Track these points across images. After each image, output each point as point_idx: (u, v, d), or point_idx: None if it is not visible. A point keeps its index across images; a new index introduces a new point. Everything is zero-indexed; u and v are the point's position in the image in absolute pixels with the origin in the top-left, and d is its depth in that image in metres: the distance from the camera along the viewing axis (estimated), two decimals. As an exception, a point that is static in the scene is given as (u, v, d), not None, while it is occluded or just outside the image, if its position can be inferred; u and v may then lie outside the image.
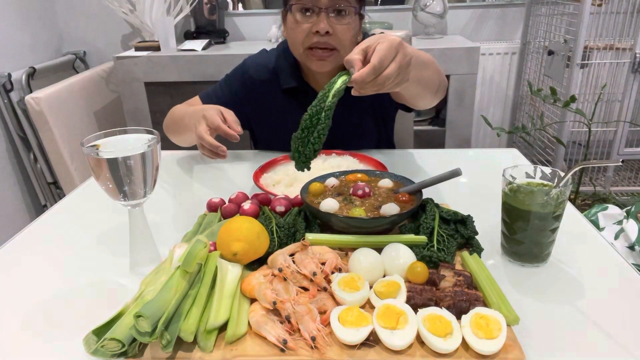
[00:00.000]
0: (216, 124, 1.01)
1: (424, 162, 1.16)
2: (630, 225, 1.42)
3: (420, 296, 0.61)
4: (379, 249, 0.70)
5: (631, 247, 1.39)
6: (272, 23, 2.53)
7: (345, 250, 0.73)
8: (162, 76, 2.22)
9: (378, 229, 0.77)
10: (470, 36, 2.65)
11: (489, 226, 0.79)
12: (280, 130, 1.01)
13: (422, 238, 0.73)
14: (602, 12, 2.25)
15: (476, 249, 0.74)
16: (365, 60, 0.71)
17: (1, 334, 0.62)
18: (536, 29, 2.54)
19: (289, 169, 1.07)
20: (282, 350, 0.55)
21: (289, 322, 0.58)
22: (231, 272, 0.65)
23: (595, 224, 1.49)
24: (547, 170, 0.74)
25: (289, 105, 1.21)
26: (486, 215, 0.80)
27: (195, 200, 0.98)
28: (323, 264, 0.68)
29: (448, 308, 0.59)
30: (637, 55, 2.21)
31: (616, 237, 1.44)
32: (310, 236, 0.73)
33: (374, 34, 1.24)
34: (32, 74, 2.19)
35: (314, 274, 0.64)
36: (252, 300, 0.64)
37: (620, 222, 1.46)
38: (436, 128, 2.43)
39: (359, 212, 0.77)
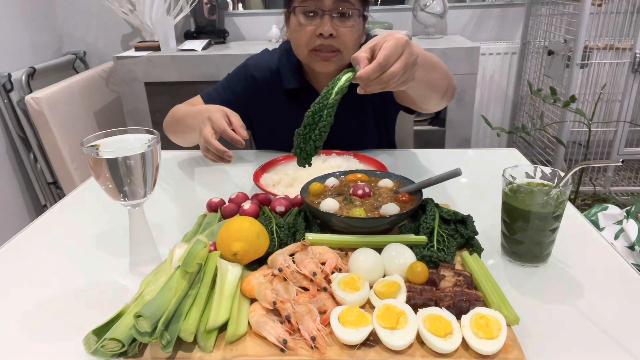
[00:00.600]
0: (222, 128, 0.99)
1: (424, 162, 1.16)
2: (630, 225, 1.42)
3: (420, 296, 0.61)
4: (379, 249, 0.70)
5: (631, 247, 1.39)
6: (272, 23, 2.53)
7: (345, 250, 0.73)
8: (162, 76, 2.22)
9: (378, 229, 0.77)
10: (470, 36, 2.65)
11: (489, 226, 0.79)
12: (281, 130, 1.01)
13: (422, 238, 0.73)
14: (602, 12, 2.25)
15: (476, 249, 0.74)
16: (371, 59, 0.71)
17: (1, 334, 0.62)
18: (536, 29, 2.54)
19: (289, 169, 1.07)
20: (282, 350, 0.55)
21: (289, 322, 0.58)
22: (231, 272, 0.65)
23: (595, 224, 1.49)
24: (547, 170, 0.74)
25: (290, 106, 1.21)
26: (486, 215, 0.80)
27: (195, 200, 0.98)
28: (323, 264, 0.68)
29: (448, 308, 0.59)
30: (637, 55, 2.21)
31: (616, 237, 1.44)
32: (310, 236, 0.73)
33: (376, 35, 1.25)
34: (32, 74, 2.19)
35: (314, 274, 0.64)
36: (252, 300, 0.64)
37: (620, 222, 1.46)
38: (436, 128, 2.43)
39: (359, 212, 0.77)
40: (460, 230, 0.76)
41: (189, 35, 2.55)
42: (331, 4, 1.04)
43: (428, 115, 2.45)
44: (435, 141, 2.41)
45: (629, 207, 1.49)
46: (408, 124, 1.53)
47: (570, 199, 0.76)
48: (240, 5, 2.73)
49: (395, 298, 0.62)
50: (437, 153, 1.25)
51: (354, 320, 0.57)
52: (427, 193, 0.83)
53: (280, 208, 0.83)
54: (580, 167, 0.68)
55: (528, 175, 0.74)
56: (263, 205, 0.85)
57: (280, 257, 0.68)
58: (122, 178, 0.64)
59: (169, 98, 2.28)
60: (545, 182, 0.73)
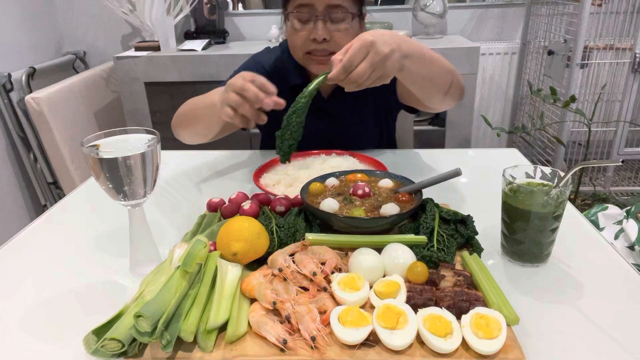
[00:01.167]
0: (249, 77, 0.83)
1: (424, 162, 1.16)
2: (630, 225, 1.42)
3: (420, 296, 0.61)
4: (379, 249, 0.70)
5: (631, 247, 1.39)
6: (272, 23, 2.53)
7: (345, 250, 0.73)
8: (162, 76, 2.23)
9: (378, 229, 0.77)
10: (470, 36, 2.65)
11: (489, 226, 0.79)
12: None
13: (422, 238, 0.73)
14: (602, 12, 2.25)
15: (476, 249, 0.74)
16: None
17: (1, 334, 0.62)
18: (536, 29, 2.54)
19: (289, 169, 1.07)
20: (282, 350, 0.55)
21: (289, 322, 0.58)
22: (231, 272, 0.65)
23: (595, 224, 1.49)
24: (547, 170, 0.74)
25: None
26: (486, 215, 0.80)
27: (195, 200, 0.98)
28: (323, 264, 0.68)
29: (448, 308, 0.59)
30: (637, 55, 2.21)
31: (616, 237, 1.44)
32: (310, 236, 0.73)
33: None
34: (32, 74, 2.18)
35: (314, 274, 0.64)
36: (252, 300, 0.64)
37: (620, 222, 1.46)
38: (436, 128, 2.43)
39: (359, 212, 0.77)
40: (460, 230, 0.76)
41: (189, 35, 2.55)
42: (323, 10, 1.04)
43: (428, 115, 2.45)
44: (435, 141, 2.41)
45: (629, 207, 1.49)
46: (408, 123, 1.53)
47: (570, 199, 0.76)
48: (240, 5, 2.73)
49: (395, 298, 0.62)
50: (437, 153, 1.25)
51: (354, 320, 0.57)
52: (427, 193, 0.83)
53: (280, 208, 0.83)
54: (580, 167, 0.68)
55: (528, 175, 0.74)
56: (263, 205, 0.85)
57: (280, 257, 0.68)
58: (122, 178, 0.64)
59: (169, 98, 2.28)
60: (545, 182, 0.73)
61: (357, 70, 0.77)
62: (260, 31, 2.63)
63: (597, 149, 2.42)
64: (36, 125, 1.99)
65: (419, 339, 0.56)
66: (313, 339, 0.56)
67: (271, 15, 2.64)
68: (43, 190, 2.25)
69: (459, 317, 0.58)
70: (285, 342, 0.55)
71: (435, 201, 0.83)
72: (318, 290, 0.63)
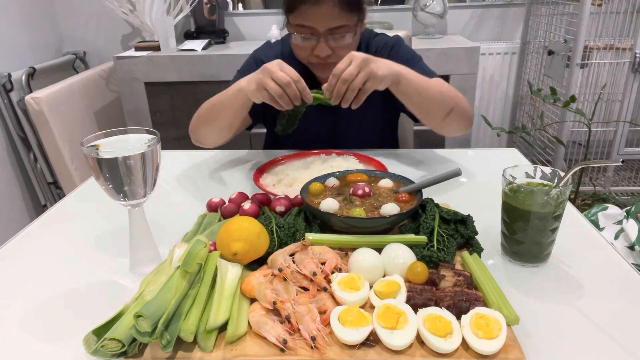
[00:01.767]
0: (285, 65, 0.94)
1: (424, 162, 1.16)
2: (630, 225, 1.42)
3: (420, 296, 0.61)
4: (379, 249, 0.70)
5: (631, 247, 1.39)
6: (272, 23, 2.53)
7: (345, 250, 0.73)
8: (162, 76, 2.22)
9: (378, 229, 0.77)
10: (470, 36, 2.65)
11: (489, 226, 0.79)
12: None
13: (422, 238, 0.73)
14: (602, 12, 2.25)
15: (476, 249, 0.74)
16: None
17: (1, 334, 0.62)
18: (536, 29, 2.54)
19: (289, 169, 1.07)
20: (282, 350, 0.55)
21: (289, 322, 0.58)
22: (231, 272, 0.65)
23: (595, 224, 1.49)
24: (547, 170, 0.74)
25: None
26: (486, 215, 0.80)
27: (195, 200, 0.98)
28: (323, 264, 0.68)
29: (448, 308, 0.59)
30: (637, 55, 2.21)
31: (616, 237, 1.44)
32: (310, 236, 0.73)
33: (377, 32, 1.26)
34: (32, 74, 2.18)
35: (314, 274, 0.64)
36: (252, 300, 0.64)
37: (620, 222, 1.46)
38: (436, 128, 2.43)
39: (359, 212, 0.77)
40: (460, 230, 0.76)
41: (189, 35, 2.55)
42: (325, 31, 1.06)
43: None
44: (435, 141, 2.41)
45: (629, 207, 1.49)
46: (408, 123, 1.53)
47: (570, 199, 0.76)
48: (240, 5, 2.73)
49: (395, 298, 0.62)
50: (437, 153, 1.25)
51: (354, 320, 0.57)
52: (427, 193, 0.84)
53: (280, 208, 0.83)
54: (580, 167, 0.68)
55: (528, 175, 0.74)
56: (263, 205, 0.85)
57: (280, 257, 0.68)
58: (122, 178, 0.64)
59: (169, 98, 2.28)
60: (545, 182, 0.73)
61: (345, 71, 0.89)
62: (260, 31, 2.63)
63: (597, 149, 2.42)
64: (36, 125, 1.99)
65: (419, 339, 0.56)
66: (313, 339, 0.56)
67: (271, 15, 2.64)
68: (43, 190, 2.25)
69: (459, 317, 0.58)
70: (285, 342, 0.55)
71: (435, 201, 0.83)
72: (318, 290, 0.63)
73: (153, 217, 0.76)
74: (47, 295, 0.69)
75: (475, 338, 0.55)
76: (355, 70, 0.89)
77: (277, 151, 1.23)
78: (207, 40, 2.38)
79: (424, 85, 1.02)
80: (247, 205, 0.82)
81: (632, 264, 0.84)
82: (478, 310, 0.58)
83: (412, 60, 1.20)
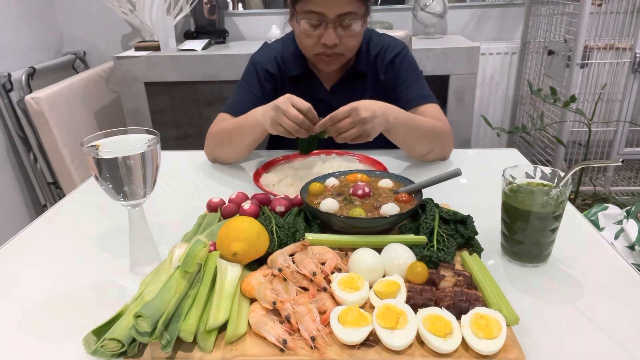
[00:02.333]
0: (299, 101, 0.96)
1: (424, 162, 1.16)
2: (630, 225, 1.42)
3: (420, 296, 0.61)
4: (379, 249, 0.70)
5: (631, 247, 1.38)
6: (272, 23, 2.53)
7: (345, 250, 0.73)
8: (162, 76, 2.22)
9: (378, 229, 0.77)
10: (470, 36, 2.65)
11: (489, 226, 0.79)
12: None
13: (422, 238, 0.73)
14: (602, 12, 2.25)
15: (476, 249, 0.74)
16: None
17: (1, 334, 0.62)
18: (536, 28, 2.54)
19: (289, 169, 1.07)
20: (282, 350, 0.55)
21: (289, 322, 0.58)
22: (231, 272, 0.65)
23: (595, 224, 1.49)
24: (547, 170, 0.74)
25: (294, 92, 1.24)
26: (486, 215, 0.80)
27: (195, 200, 0.98)
28: (323, 264, 0.68)
29: (448, 308, 0.59)
30: (637, 55, 2.21)
31: (616, 237, 1.43)
32: (310, 236, 0.73)
33: (378, 31, 1.26)
34: (32, 74, 2.18)
35: (314, 274, 0.64)
36: (252, 300, 0.64)
37: (620, 222, 1.46)
38: (436, 128, 2.42)
39: (359, 212, 0.77)
40: (460, 230, 0.76)
41: (189, 35, 2.55)
42: (334, 17, 1.06)
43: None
44: (435, 141, 2.40)
45: (629, 207, 1.49)
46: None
47: (570, 199, 0.76)
48: (240, 5, 2.73)
49: (395, 298, 0.62)
50: (437, 153, 1.24)
51: (354, 320, 0.57)
52: (427, 193, 0.83)
53: (280, 208, 0.83)
54: (580, 167, 0.68)
55: (528, 175, 0.74)
56: (263, 205, 0.85)
57: (280, 257, 0.68)
58: (122, 178, 0.64)
59: (169, 98, 2.28)
60: (545, 182, 0.73)
61: (340, 123, 0.94)
62: (260, 31, 2.63)
63: (597, 149, 2.42)
64: (36, 125, 1.99)
65: (419, 339, 0.56)
66: (313, 339, 0.56)
67: (271, 15, 2.64)
68: (43, 190, 2.25)
69: (459, 317, 0.58)
70: (285, 342, 0.55)
71: (435, 201, 0.83)
72: (318, 290, 0.63)
73: (153, 217, 0.76)
74: (47, 295, 0.69)
75: (475, 338, 0.55)
76: (350, 126, 0.94)
77: (277, 151, 1.24)
78: (207, 40, 2.39)
79: (411, 134, 1.08)
80: (247, 205, 0.82)
81: (632, 264, 0.83)
82: (478, 310, 0.58)
83: (412, 76, 1.21)
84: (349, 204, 0.80)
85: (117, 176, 0.64)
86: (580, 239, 0.81)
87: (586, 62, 2.24)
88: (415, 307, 0.60)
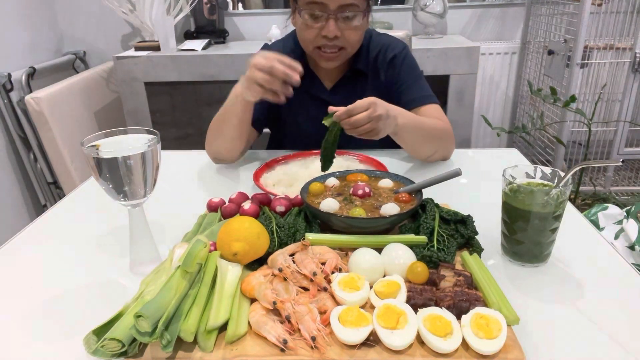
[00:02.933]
0: (272, 56, 0.93)
1: (424, 162, 1.16)
2: (630, 225, 1.42)
3: (420, 296, 0.61)
4: (379, 249, 0.70)
5: (631, 247, 1.39)
6: (272, 23, 2.53)
7: (345, 250, 0.73)
8: (162, 76, 2.22)
9: (378, 229, 0.77)
10: (470, 36, 2.65)
11: (489, 226, 0.79)
12: (289, 117, 1.02)
13: (422, 238, 0.73)
14: (602, 11, 2.25)
15: (476, 249, 0.74)
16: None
17: (1, 334, 0.62)
18: (536, 28, 2.54)
19: (289, 169, 1.07)
20: (282, 350, 0.55)
21: (289, 322, 0.58)
22: (231, 272, 0.65)
23: (595, 224, 1.49)
24: (547, 170, 0.74)
25: (295, 92, 1.23)
26: (486, 215, 0.80)
27: (195, 200, 0.98)
28: (323, 264, 0.68)
29: (448, 308, 0.59)
30: (637, 55, 2.21)
31: (616, 237, 1.43)
32: (310, 236, 0.73)
33: (378, 31, 1.26)
34: (32, 74, 2.18)
35: (314, 274, 0.64)
36: (252, 300, 0.64)
37: (620, 222, 1.46)
38: (436, 128, 2.42)
39: (359, 212, 0.77)
40: (460, 230, 0.76)
41: (189, 35, 2.55)
42: (336, 8, 1.06)
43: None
44: (435, 141, 2.40)
45: (629, 207, 1.49)
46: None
47: (570, 199, 0.76)
48: (240, 5, 2.73)
49: (395, 298, 0.62)
50: (437, 153, 1.24)
51: (354, 320, 0.57)
52: (427, 193, 0.84)
53: (280, 208, 0.83)
54: (580, 167, 0.68)
55: (528, 175, 0.74)
56: (263, 205, 0.85)
57: (280, 257, 0.68)
58: (122, 178, 0.64)
59: (169, 98, 2.28)
60: (545, 182, 0.73)
61: (357, 116, 0.91)
62: (260, 31, 2.63)
63: (597, 148, 2.42)
64: (36, 125, 1.99)
65: (419, 339, 0.56)
66: (313, 339, 0.56)
67: (271, 15, 2.64)
68: (43, 190, 2.25)
69: (459, 317, 0.58)
70: (285, 342, 0.55)
71: (435, 201, 0.83)
72: (318, 290, 0.63)
73: (153, 217, 0.76)
74: (47, 295, 0.69)
75: (476, 338, 0.55)
76: (366, 120, 0.92)
77: (277, 151, 1.24)
78: (207, 40, 2.38)
79: (417, 136, 1.09)
80: (247, 205, 0.82)
81: (632, 264, 0.84)
82: (478, 310, 0.58)
83: (412, 76, 1.21)
84: (349, 204, 0.80)
85: (117, 176, 0.64)
86: (580, 239, 0.81)
87: (586, 62, 2.24)
88: (415, 307, 0.60)
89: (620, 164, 0.67)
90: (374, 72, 1.23)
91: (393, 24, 2.55)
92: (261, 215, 0.81)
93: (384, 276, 0.67)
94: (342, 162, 1.09)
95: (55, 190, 2.24)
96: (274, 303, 0.60)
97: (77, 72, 2.54)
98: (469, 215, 0.78)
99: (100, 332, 0.57)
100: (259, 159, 1.20)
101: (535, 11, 2.56)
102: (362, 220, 0.75)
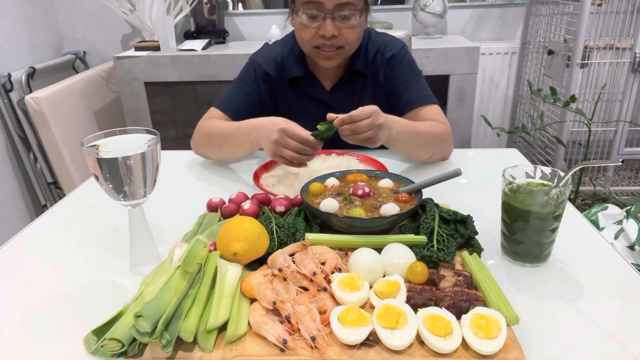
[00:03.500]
0: (299, 134, 0.94)
1: (424, 162, 1.16)
2: (630, 225, 1.42)
3: (420, 296, 0.61)
4: (379, 249, 0.70)
5: (631, 247, 1.39)
6: (272, 23, 2.53)
7: (345, 250, 0.73)
8: (162, 76, 2.23)
9: (378, 229, 0.77)
10: (470, 36, 2.65)
11: (489, 226, 0.79)
12: (289, 118, 1.02)
13: (422, 238, 0.73)
14: (602, 11, 2.25)
15: (476, 249, 0.74)
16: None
17: (1, 334, 0.62)
18: (536, 28, 2.54)
19: (289, 169, 1.07)
20: (282, 350, 0.55)
21: (289, 322, 0.58)
22: (231, 272, 0.65)
23: (595, 224, 1.49)
24: (547, 170, 0.74)
25: (294, 93, 1.24)
26: (486, 215, 0.80)
27: (195, 200, 0.98)
28: (323, 264, 0.68)
29: (448, 308, 0.59)
30: (637, 55, 2.21)
31: (616, 237, 1.43)
32: (310, 236, 0.73)
33: (377, 31, 1.26)
34: (32, 74, 2.19)
35: (314, 274, 0.64)
36: (252, 300, 0.64)
37: (620, 222, 1.46)
38: (436, 128, 2.42)
39: (359, 212, 0.77)
40: (460, 230, 0.76)
41: (189, 35, 2.55)
42: (333, 8, 1.06)
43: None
44: (435, 141, 2.40)
45: (629, 207, 1.49)
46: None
47: (570, 199, 0.76)
48: (240, 5, 2.73)
49: (395, 298, 0.62)
50: (437, 153, 1.24)
51: (354, 320, 0.57)
52: (427, 193, 0.83)
53: (280, 208, 0.83)
54: (580, 167, 0.68)
55: (528, 175, 0.74)
56: (263, 205, 0.85)
57: (280, 257, 0.68)
58: (122, 178, 0.64)
59: (169, 98, 2.28)
60: (545, 182, 0.73)
61: (359, 123, 0.92)
62: (260, 31, 2.63)
63: (597, 148, 2.42)
64: (36, 125, 1.99)
65: (419, 339, 0.56)
66: (313, 339, 0.56)
67: (271, 15, 2.64)
68: (43, 190, 2.25)
69: (459, 317, 0.58)
70: (285, 342, 0.55)
71: (435, 201, 0.83)
72: (318, 290, 0.63)
73: (153, 217, 0.76)
74: (47, 295, 0.69)
75: (475, 338, 0.55)
76: (367, 127, 0.92)
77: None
78: (207, 40, 2.39)
79: (411, 144, 1.09)
80: (247, 205, 0.82)
81: (632, 264, 0.84)
82: (478, 310, 0.58)
83: (411, 76, 1.21)
84: (349, 204, 0.80)
85: (117, 176, 0.64)
86: (580, 239, 0.81)
87: (586, 62, 2.24)
88: (415, 307, 0.60)
89: (620, 164, 0.67)
90: (373, 72, 1.22)
91: (393, 24, 2.55)
92: (261, 215, 0.81)
93: (384, 276, 0.67)
94: (342, 162, 1.09)
95: (55, 190, 2.24)
96: (274, 303, 0.60)
97: (77, 72, 2.54)
98: (468, 215, 0.78)
99: (100, 332, 0.57)
100: (259, 159, 1.20)
101: (535, 11, 2.56)
102: (362, 220, 0.75)
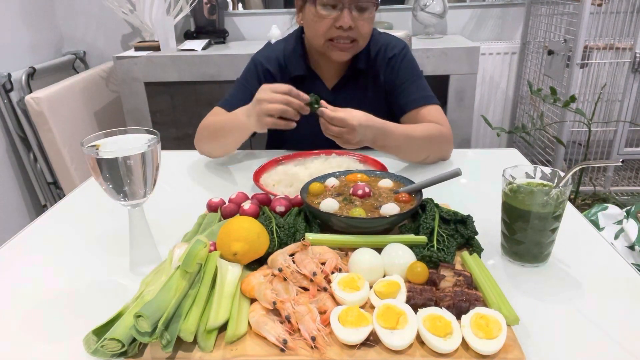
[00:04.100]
0: (280, 85, 0.97)
1: (419, 164, 1.16)
2: (630, 225, 1.42)
3: (420, 296, 0.61)
4: (379, 249, 0.70)
5: (631, 247, 1.39)
6: (272, 23, 2.53)
7: (345, 250, 0.73)
8: (162, 76, 2.23)
9: (378, 229, 0.77)
10: (470, 36, 2.65)
11: (489, 226, 0.79)
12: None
13: (422, 238, 0.73)
14: (602, 12, 2.25)
15: (476, 249, 0.74)
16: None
17: (1, 334, 0.62)
18: (536, 28, 2.54)
19: (289, 169, 1.07)
20: (282, 350, 0.55)
21: (289, 322, 0.58)
22: (231, 272, 0.65)
23: (595, 224, 1.49)
24: (547, 170, 0.74)
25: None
26: (486, 215, 0.80)
27: (195, 200, 0.98)
28: (323, 264, 0.68)
29: (448, 308, 0.59)
30: (637, 55, 2.21)
31: (616, 237, 1.44)
32: (310, 236, 0.73)
33: (379, 31, 1.27)
34: (32, 74, 2.19)
35: (314, 274, 0.64)
36: (252, 300, 0.64)
37: (620, 222, 1.46)
38: (436, 128, 2.42)
39: (359, 212, 0.77)
40: (460, 230, 0.76)
41: (189, 35, 2.55)
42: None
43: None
44: (435, 141, 2.40)
45: (629, 207, 1.49)
46: (408, 124, 1.52)
47: (570, 199, 0.76)
48: (240, 5, 2.73)
49: (395, 298, 0.62)
50: (437, 153, 1.24)
51: (354, 320, 0.57)
52: (427, 193, 0.83)
53: (280, 208, 0.83)
54: (580, 167, 0.68)
55: (528, 175, 0.74)
56: (263, 205, 0.85)
57: (280, 257, 0.68)
58: (122, 178, 0.64)
59: (169, 98, 2.28)
60: (545, 182, 0.73)
61: (330, 126, 0.98)
62: (260, 31, 2.63)
63: (597, 149, 2.42)
64: (36, 125, 1.99)
65: (419, 339, 0.56)
66: (313, 339, 0.56)
67: (271, 15, 2.64)
68: (43, 190, 2.25)
69: (459, 317, 0.58)
70: (285, 342, 0.55)
71: (435, 201, 0.83)
72: (318, 290, 0.63)
73: (153, 217, 0.76)
74: (47, 295, 0.69)
75: (475, 338, 0.55)
76: (336, 134, 0.99)
77: (277, 151, 1.24)
78: (207, 40, 2.39)
79: (403, 148, 1.11)
80: (247, 205, 0.82)
81: (632, 264, 0.84)
82: (478, 310, 0.58)
83: (412, 76, 1.21)
84: (349, 204, 0.80)
85: (117, 176, 0.64)
86: (580, 239, 0.81)
87: (586, 62, 2.24)
88: (415, 307, 0.60)
89: (620, 164, 0.67)
90: (374, 72, 1.23)
91: (393, 24, 2.55)
92: (261, 215, 0.81)
93: (384, 276, 0.67)
94: (342, 162, 1.09)
95: (55, 190, 2.24)
96: (274, 303, 0.60)
97: (77, 72, 2.54)
98: (468, 215, 0.78)
99: (100, 332, 0.57)
100: (259, 159, 1.20)
101: (535, 11, 2.56)
102: (362, 220, 0.75)
